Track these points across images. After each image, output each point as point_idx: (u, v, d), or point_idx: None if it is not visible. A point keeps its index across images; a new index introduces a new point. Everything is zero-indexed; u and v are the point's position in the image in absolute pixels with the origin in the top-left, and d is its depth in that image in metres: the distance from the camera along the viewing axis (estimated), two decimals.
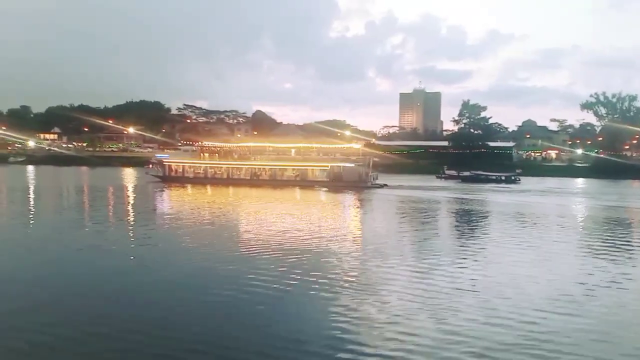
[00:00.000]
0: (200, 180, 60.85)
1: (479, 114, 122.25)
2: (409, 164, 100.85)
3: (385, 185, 57.32)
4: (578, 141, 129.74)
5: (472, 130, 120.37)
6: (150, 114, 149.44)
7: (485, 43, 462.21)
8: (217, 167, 63.00)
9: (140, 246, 21.13)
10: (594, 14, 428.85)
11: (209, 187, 54.56)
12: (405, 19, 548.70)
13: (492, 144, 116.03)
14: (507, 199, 46.76)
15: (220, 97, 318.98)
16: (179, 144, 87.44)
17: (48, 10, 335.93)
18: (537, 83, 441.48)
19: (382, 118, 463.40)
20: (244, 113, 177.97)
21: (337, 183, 55.86)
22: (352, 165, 57.71)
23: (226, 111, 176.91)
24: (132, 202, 41.40)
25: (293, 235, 23.53)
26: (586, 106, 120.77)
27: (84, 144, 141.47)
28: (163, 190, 50.40)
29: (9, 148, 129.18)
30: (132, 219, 30.06)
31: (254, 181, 59.05)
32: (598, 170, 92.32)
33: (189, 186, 55.73)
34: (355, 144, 67.98)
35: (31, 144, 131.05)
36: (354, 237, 24.34)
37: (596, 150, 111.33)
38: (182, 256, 18.75)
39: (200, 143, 72.21)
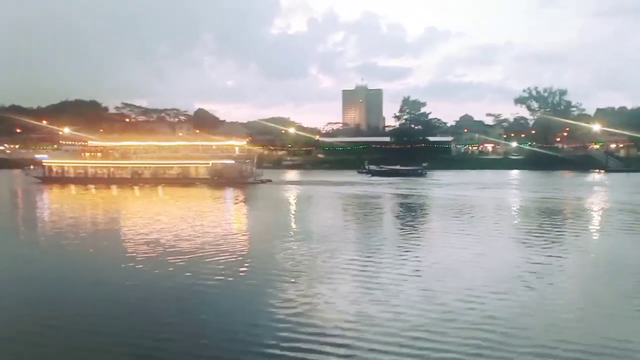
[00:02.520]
0: (82, 181, 60.03)
1: (419, 110, 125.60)
2: (349, 160, 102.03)
3: (269, 180, 59.19)
4: (512, 134, 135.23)
5: (412, 125, 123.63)
6: (86, 114, 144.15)
7: (423, 40, 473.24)
8: (98, 166, 62.69)
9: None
10: (527, 11, 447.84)
11: (90, 187, 54.47)
12: (347, 16, 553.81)
13: (432, 138, 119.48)
14: (393, 190, 50.87)
15: (161, 96, 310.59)
16: (62, 143, 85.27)
17: None
18: (473, 79, 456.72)
19: (326, 115, 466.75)
20: (185, 111, 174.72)
21: (219, 180, 57.17)
22: (233, 162, 59.30)
23: (166, 109, 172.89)
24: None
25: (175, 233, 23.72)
26: (519, 101, 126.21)
27: (17, 146, 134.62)
28: (40, 192, 49.91)
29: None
30: None
31: (136, 180, 59.34)
32: (531, 162, 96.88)
33: (70, 187, 55.27)
34: (239, 140, 69.53)
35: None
36: (230, 231, 25.31)
37: (530, 143, 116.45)
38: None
39: (82, 143, 71.08)
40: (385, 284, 14.44)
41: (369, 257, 18.27)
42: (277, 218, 31.31)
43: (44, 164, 63.51)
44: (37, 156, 69.09)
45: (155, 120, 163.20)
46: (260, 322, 11.48)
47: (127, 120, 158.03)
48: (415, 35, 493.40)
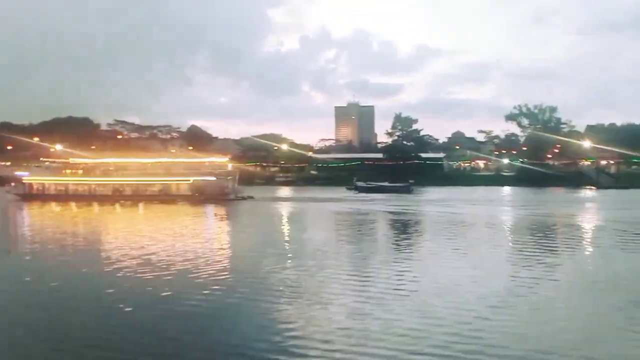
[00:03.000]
0: (62, 198, 59.53)
1: (411, 127, 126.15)
2: (342, 176, 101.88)
3: (251, 197, 59.13)
4: (504, 151, 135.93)
5: (405, 142, 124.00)
6: (78, 131, 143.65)
7: (414, 58, 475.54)
8: (79, 183, 62.19)
9: None
10: (517, 29, 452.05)
11: (71, 205, 54.03)
12: (338, 34, 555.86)
13: (424, 155, 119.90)
14: (381, 206, 50.86)
15: (154, 113, 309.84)
16: (42, 161, 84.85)
17: None
18: (465, 96, 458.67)
19: (318, 131, 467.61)
20: (178, 128, 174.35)
21: (200, 196, 57.14)
22: (214, 178, 59.30)
23: (159, 126, 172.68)
24: None
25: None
26: (510, 117, 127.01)
27: (8, 163, 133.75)
28: (19, 210, 49.79)
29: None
30: None
31: (117, 197, 58.98)
32: (523, 179, 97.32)
33: (51, 204, 54.92)
34: (221, 157, 69.91)
35: None
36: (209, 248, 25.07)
37: (521, 160, 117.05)
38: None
39: (63, 160, 70.72)
40: (377, 300, 14.41)
41: (356, 274, 18.25)
42: (259, 235, 31.41)
43: (24, 181, 63.01)
44: (17, 173, 68.18)
45: (148, 137, 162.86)
46: (253, 337, 11.45)
47: (120, 137, 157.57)
48: (406, 53, 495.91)
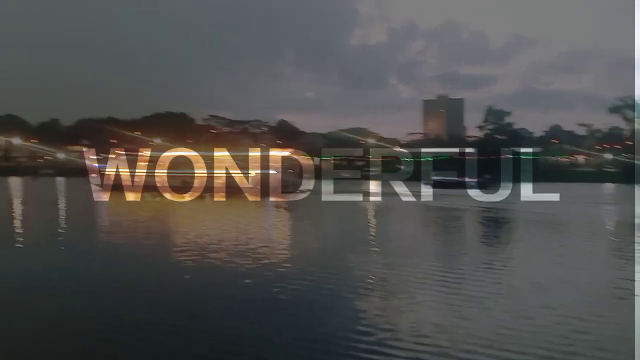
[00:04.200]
0: (136, 188, 61.65)
1: (504, 119, 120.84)
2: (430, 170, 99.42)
3: (310, 190, 59.30)
4: (607, 146, 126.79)
5: (497, 136, 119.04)
6: (176, 125, 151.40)
7: (507, 47, 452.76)
8: (152, 175, 64.36)
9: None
10: (617, 15, 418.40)
11: (144, 195, 56.96)
12: (427, 25, 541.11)
13: (518, 149, 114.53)
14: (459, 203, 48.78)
15: (245, 107, 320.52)
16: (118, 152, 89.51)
17: (77, 24, 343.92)
18: (561, 87, 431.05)
19: (406, 125, 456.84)
20: (267, 122, 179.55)
21: (262, 189, 57.44)
22: (275, 172, 60.08)
23: (250, 121, 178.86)
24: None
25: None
26: (613, 110, 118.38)
27: (94, 156, 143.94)
28: (98, 199, 52.68)
29: (39, 160, 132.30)
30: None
31: (185, 188, 59.93)
32: (629, 175, 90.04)
33: (126, 194, 57.42)
34: (284, 151, 70.40)
35: (60, 156, 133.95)
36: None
37: (626, 155, 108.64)
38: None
39: (140, 152, 73.01)
40: (469, 298, 13.96)
41: (446, 270, 17.76)
42: (326, 227, 31.62)
43: (101, 172, 67.19)
44: (96, 165, 72.36)
45: (239, 132, 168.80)
46: (339, 332, 11.46)
47: (213, 131, 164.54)
48: (498, 42, 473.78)
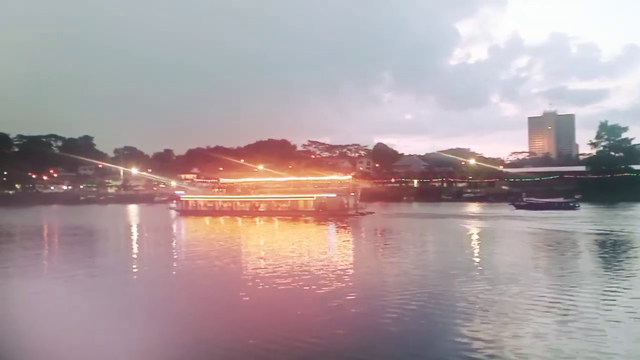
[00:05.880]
0: (210, 213, 67.51)
1: (620, 135, 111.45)
2: (537, 191, 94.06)
3: (371, 212, 60.72)
4: None
5: (612, 153, 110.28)
6: (277, 152, 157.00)
7: (621, 59, 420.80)
8: (224, 200, 70.15)
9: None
10: None
11: (218, 219, 60.30)
12: (532, 40, 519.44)
13: (637, 167, 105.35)
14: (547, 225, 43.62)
15: (343, 132, 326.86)
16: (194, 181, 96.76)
17: (187, 62, 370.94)
18: None
19: (509, 144, 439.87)
20: (365, 146, 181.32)
21: (322, 212, 60.12)
22: (334, 195, 62.27)
23: (348, 145, 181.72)
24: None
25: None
26: None
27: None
28: (178, 222, 57.12)
29: (154, 188, 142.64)
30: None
31: (254, 212, 64.97)
32: None
33: (203, 218, 61.91)
34: (344, 175, 75.82)
35: (173, 184, 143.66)
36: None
37: None
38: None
39: (213, 180, 79.70)
40: (584, 323, 12.83)
41: (550, 295, 16.48)
42: (393, 249, 30.08)
43: (181, 198, 72.75)
44: (176, 192, 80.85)
45: (338, 156, 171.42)
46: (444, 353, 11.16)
47: (313, 156, 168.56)
48: (611, 55, 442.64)
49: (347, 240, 37.05)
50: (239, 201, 68.70)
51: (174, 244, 37.42)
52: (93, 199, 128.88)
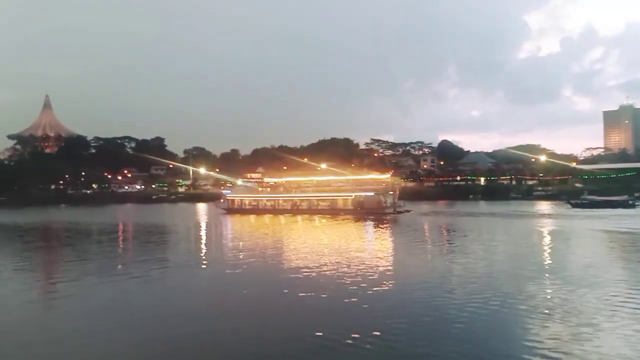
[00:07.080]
0: (255, 211, 69.91)
1: None
2: (614, 189, 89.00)
3: (409, 211, 60.37)
4: None
5: None
6: (340, 150, 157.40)
7: None
8: (267, 199, 72.32)
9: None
10: None
11: (262, 217, 62.58)
12: (607, 31, 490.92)
13: None
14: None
15: (406, 130, 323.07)
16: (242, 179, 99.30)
17: (251, 67, 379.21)
18: None
19: (583, 139, 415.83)
20: (429, 144, 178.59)
21: (360, 210, 60.97)
22: (372, 194, 62.91)
23: (411, 143, 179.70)
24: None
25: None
26: None
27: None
28: (225, 221, 57.77)
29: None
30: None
31: (295, 211, 66.64)
32: None
33: (248, 216, 64.02)
34: (382, 174, 76.44)
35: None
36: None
37: None
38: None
39: (259, 180, 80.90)
40: None
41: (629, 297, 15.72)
42: (437, 248, 28.97)
43: (227, 197, 75.38)
44: (223, 191, 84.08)
45: (401, 154, 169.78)
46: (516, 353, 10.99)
47: (375, 155, 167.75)
48: None
49: (390, 239, 36.98)
50: (282, 200, 71.02)
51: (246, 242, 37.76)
52: (164, 198, 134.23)
